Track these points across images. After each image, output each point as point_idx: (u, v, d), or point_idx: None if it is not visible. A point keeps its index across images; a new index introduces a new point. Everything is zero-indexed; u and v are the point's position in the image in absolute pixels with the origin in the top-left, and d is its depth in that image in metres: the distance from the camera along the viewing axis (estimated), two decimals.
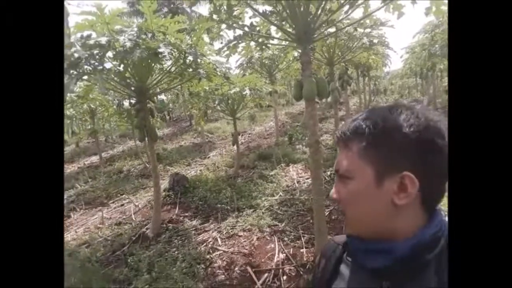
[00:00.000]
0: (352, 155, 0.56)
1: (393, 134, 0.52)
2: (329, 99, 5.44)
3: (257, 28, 3.04)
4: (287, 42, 3.31)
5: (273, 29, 3.24)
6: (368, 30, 4.38)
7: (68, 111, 7.97)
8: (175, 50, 2.80)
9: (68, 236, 4.10)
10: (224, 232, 3.56)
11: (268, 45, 3.27)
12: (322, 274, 0.68)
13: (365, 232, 0.58)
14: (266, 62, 6.21)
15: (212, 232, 3.62)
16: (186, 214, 4.27)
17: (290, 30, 2.69)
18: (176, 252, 3.18)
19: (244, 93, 4.29)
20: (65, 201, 5.54)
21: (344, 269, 0.64)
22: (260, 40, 3.15)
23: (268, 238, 3.32)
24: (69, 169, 8.73)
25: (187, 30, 2.92)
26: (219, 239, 3.42)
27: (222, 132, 11.23)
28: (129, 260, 3.08)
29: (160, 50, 2.47)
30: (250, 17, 2.95)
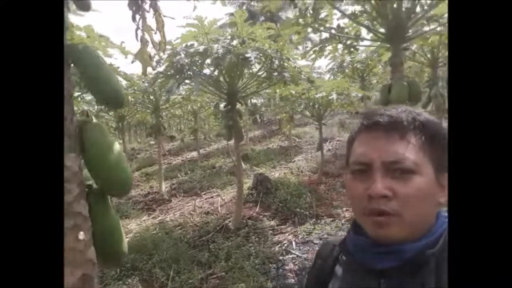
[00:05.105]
0: (414, 148, 0.53)
1: (441, 133, 0.55)
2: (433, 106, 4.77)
3: (345, 30, 2.93)
4: (377, 44, 3.07)
5: (364, 30, 3.06)
6: None
7: (177, 111, 9.31)
8: (261, 54, 2.96)
9: (167, 217, 4.80)
10: (300, 237, 3.53)
11: (357, 47, 3.10)
12: (318, 275, 0.68)
13: (414, 235, 0.54)
14: (358, 66, 5.86)
15: (288, 235, 3.65)
16: (266, 213, 4.41)
17: (381, 30, 2.50)
18: (251, 248, 3.33)
19: (330, 97, 4.17)
20: (168, 188, 6.51)
21: (340, 269, 0.64)
22: (348, 42, 3.03)
23: None
24: (174, 161, 10.17)
25: (274, 35, 3.05)
26: (294, 242, 3.42)
27: (310, 137, 11.10)
28: (211, 247, 3.40)
29: (247, 55, 2.66)
30: (338, 19, 2.88)
